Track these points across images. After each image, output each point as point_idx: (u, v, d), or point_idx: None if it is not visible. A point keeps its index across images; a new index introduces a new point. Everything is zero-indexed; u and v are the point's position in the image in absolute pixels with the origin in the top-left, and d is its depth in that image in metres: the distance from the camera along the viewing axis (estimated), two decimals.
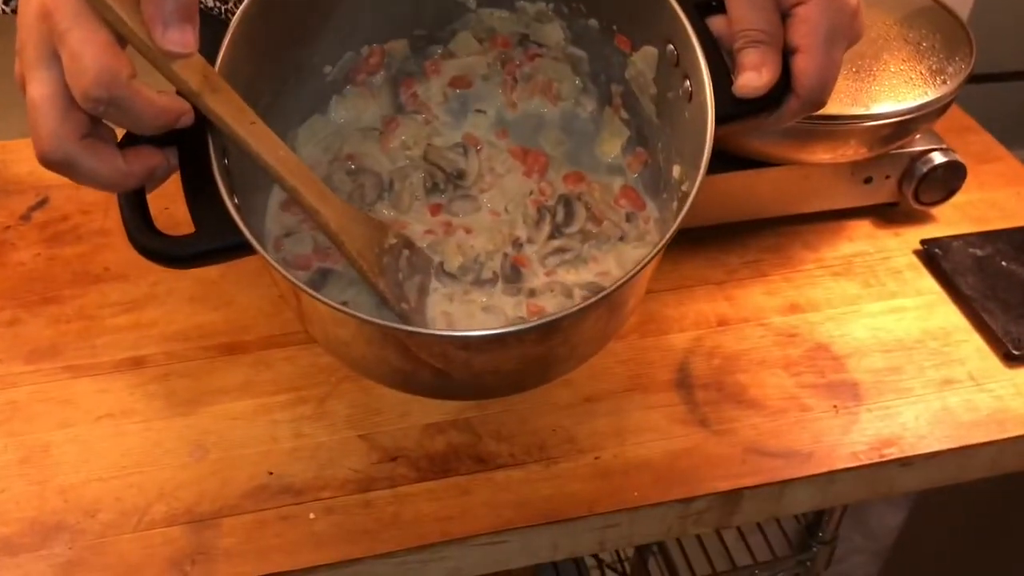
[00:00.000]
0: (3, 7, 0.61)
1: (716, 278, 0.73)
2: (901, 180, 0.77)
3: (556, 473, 0.60)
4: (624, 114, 0.58)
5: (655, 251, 0.46)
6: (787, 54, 0.50)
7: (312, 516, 0.57)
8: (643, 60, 0.54)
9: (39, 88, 0.41)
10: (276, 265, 0.43)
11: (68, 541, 0.55)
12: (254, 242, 0.43)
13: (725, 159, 0.72)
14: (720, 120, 0.47)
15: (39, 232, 0.76)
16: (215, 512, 0.57)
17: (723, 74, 0.50)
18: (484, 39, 0.59)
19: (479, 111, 0.60)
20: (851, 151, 0.71)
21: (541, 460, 0.61)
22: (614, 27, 0.55)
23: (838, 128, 0.69)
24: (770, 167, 0.73)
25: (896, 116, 0.69)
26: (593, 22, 0.56)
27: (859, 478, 0.62)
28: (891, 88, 0.71)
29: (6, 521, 0.56)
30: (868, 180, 0.76)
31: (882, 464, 0.61)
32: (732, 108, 0.50)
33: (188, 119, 0.43)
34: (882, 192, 0.78)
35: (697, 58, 0.48)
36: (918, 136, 0.75)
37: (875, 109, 0.69)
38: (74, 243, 0.75)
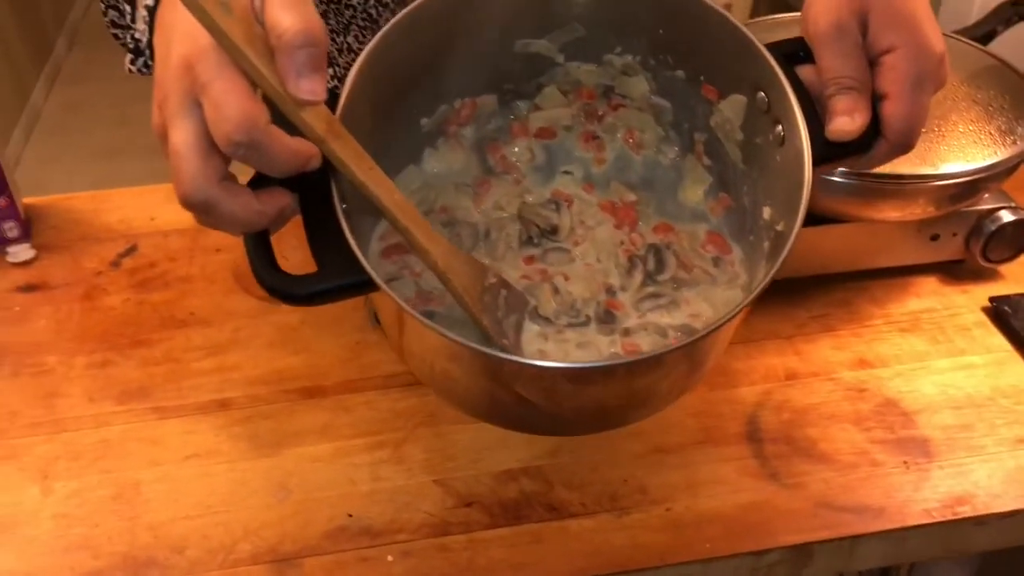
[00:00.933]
0: (129, 66, 0.64)
1: (785, 332, 0.74)
2: (968, 238, 0.77)
3: (628, 523, 0.61)
4: (706, 160, 0.60)
5: (767, 278, 0.47)
6: (875, 100, 0.53)
7: (390, 559, 0.59)
8: (730, 108, 0.56)
9: (181, 135, 0.44)
10: (400, 301, 0.46)
11: None
12: (378, 279, 0.46)
13: None
14: (814, 163, 0.50)
15: (128, 278, 0.79)
16: (297, 552, 0.59)
17: (815, 119, 0.52)
18: (569, 91, 0.62)
19: (566, 172, 0.63)
20: (919, 210, 0.72)
21: (613, 510, 0.62)
22: (701, 77, 0.57)
23: (907, 187, 0.70)
24: (838, 223, 0.74)
25: (965, 176, 0.70)
26: (680, 73, 0.58)
27: (932, 535, 0.62)
28: (960, 148, 0.72)
29: (99, 555, 0.59)
30: (935, 237, 0.77)
31: (956, 522, 0.61)
32: (824, 151, 0.52)
33: (316, 162, 0.46)
34: (949, 249, 0.78)
35: (791, 104, 0.51)
36: (986, 195, 0.76)
37: (944, 169, 0.70)
38: (161, 289, 0.78)
